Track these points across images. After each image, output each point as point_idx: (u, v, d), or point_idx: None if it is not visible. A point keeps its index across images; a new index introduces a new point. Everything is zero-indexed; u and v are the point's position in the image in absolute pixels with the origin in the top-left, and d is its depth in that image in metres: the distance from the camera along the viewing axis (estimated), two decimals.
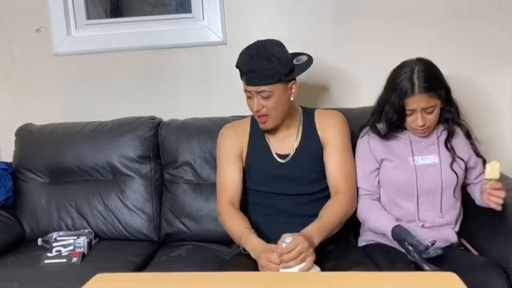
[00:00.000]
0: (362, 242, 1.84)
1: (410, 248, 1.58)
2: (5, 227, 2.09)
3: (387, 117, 1.71)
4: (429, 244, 1.55)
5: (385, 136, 1.75)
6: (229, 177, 1.79)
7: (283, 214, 1.77)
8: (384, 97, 1.73)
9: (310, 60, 1.80)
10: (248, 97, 1.72)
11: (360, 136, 1.82)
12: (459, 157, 1.74)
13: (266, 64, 1.65)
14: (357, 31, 2.22)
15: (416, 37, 2.19)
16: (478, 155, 1.77)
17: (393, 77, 1.71)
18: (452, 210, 1.76)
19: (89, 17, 2.42)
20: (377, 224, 1.71)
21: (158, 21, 2.37)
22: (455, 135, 1.76)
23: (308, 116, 1.82)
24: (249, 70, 1.67)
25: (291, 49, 2.21)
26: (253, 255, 1.60)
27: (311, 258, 1.49)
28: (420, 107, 1.65)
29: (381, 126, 1.78)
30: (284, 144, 1.80)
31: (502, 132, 2.23)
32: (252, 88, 1.67)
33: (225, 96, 2.30)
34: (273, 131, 1.79)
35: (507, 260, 1.58)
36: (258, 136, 1.82)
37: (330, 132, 1.78)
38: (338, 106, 2.15)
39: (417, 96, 1.63)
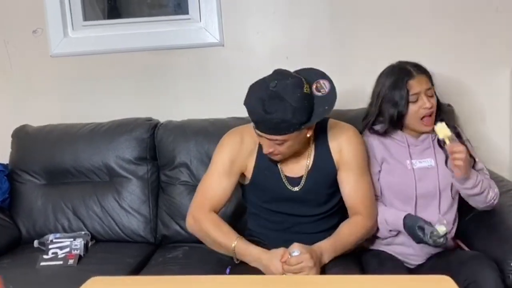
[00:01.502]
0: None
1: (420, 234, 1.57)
2: (1, 229, 2.08)
3: (389, 112, 1.70)
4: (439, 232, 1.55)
5: (384, 133, 1.75)
6: (221, 189, 1.68)
7: (285, 231, 1.71)
8: (380, 95, 1.74)
9: (333, 92, 1.58)
10: (258, 136, 1.58)
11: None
12: None
13: (280, 116, 1.47)
14: (354, 33, 2.22)
15: (413, 39, 2.19)
16: (469, 155, 1.75)
17: (385, 73, 1.75)
18: (450, 211, 1.76)
19: (86, 18, 2.41)
20: (386, 215, 1.69)
21: (156, 22, 2.37)
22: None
23: (321, 130, 1.68)
24: (259, 121, 1.52)
25: (289, 51, 2.23)
26: (254, 264, 1.57)
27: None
28: (423, 88, 1.67)
29: (378, 127, 1.77)
30: (295, 166, 1.68)
31: (499, 132, 2.23)
32: (263, 135, 1.55)
33: (222, 98, 2.30)
34: None
35: (504, 262, 1.57)
36: (266, 156, 1.66)
37: (345, 153, 1.66)
38: (336, 107, 2.15)
39: (417, 77, 1.67)
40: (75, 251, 1.92)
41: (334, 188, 1.70)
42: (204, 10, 2.27)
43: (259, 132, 1.55)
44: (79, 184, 2.15)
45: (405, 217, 1.64)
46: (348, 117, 1.92)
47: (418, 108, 1.68)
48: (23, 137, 2.25)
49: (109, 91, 2.37)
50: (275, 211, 1.71)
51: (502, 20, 2.16)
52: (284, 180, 1.67)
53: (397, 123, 1.72)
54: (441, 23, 2.18)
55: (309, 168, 1.67)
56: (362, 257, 1.74)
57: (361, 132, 1.80)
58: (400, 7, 2.19)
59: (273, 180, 1.67)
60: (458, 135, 1.77)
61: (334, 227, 1.70)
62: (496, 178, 1.87)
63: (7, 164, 2.25)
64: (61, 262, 1.87)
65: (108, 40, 2.35)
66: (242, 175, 1.73)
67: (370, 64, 2.21)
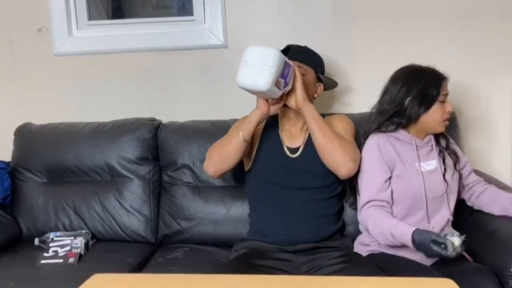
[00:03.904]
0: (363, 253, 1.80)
1: (437, 249, 1.49)
2: (2, 226, 2.08)
3: (413, 110, 1.70)
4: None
5: (393, 131, 1.74)
6: None
7: (288, 212, 1.79)
8: (403, 91, 1.72)
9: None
10: None
11: (366, 140, 1.79)
12: (448, 154, 1.79)
13: (311, 52, 1.90)
14: (359, 36, 2.23)
15: (416, 44, 2.19)
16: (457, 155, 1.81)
17: (410, 72, 1.75)
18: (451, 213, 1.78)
19: (90, 17, 2.42)
20: (392, 229, 1.60)
21: (160, 23, 2.38)
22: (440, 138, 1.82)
23: None
24: (294, 50, 1.85)
25: None
26: (255, 119, 1.75)
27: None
28: (448, 92, 1.73)
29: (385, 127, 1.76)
30: (296, 138, 1.86)
31: (502, 138, 2.23)
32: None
33: (225, 99, 2.30)
34: (287, 127, 1.87)
35: (504, 268, 1.57)
36: (271, 130, 1.88)
37: (335, 123, 1.87)
38: (339, 111, 2.16)
39: (446, 80, 1.73)
40: (76, 250, 1.92)
41: None
42: (209, 12, 2.28)
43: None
44: (81, 183, 2.16)
45: (413, 232, 1.55)
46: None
47: (443, 110, 1.72)
48: (25, 135, 2.25)
49: (112, 90, 2.38)
50: (276, 184, 1.80)
51: (505, 27, 2.17)
52: (285, 149, 1.84)
53: (411, 122, 1.73)
54: (444, 29, 2.19)
55: (306, 139, 1.84)
56: (375, 260, 1.70)
57: (368, 134, 1.79)
58: (404, 12, 2.20)
59: (275, 150, 1.85)
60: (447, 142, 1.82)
61: (336, 214, 1.85)
62: (498, 185, 1.87)
63: (9, 161, 2.25)
64: (61, 261, 1.87)
65: (112, 40, 2.35)
66: (247, 159, 1.88)
67: (375, 67, 2.23)
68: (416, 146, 1.75)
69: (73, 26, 2.38)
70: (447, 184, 1.74)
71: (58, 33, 2.35)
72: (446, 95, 1.72)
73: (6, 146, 2.30)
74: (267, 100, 1.73)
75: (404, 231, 1.57)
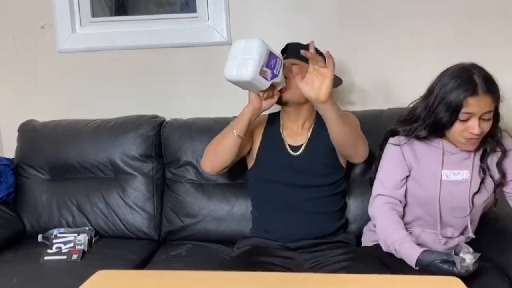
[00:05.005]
0: (367, 242, 1.81)
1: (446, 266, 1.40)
2: (5, 223, 2.09)
3: (437, 117, 1.52)
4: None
5: (425, 138, 1.59)
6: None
7: (291, 209, 1.79)
8: (438, 95, 1.52)
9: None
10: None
11: (390, 142, 1.67)
12: (491, 176, 1.61)
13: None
14: (363, 32, 2.22)
15: (420, 43, 2.19)
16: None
17: (451, 73, 1.53)
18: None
19: (94, 14, 2.42)
20: (397, 246, 1.52)
21: (163, 20, 2.38)
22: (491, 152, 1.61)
23: (322, 117, 1.82)
24: (294, 47, 1.83)
25: None
26: (248, 115, 1.73)
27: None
28: (480, 111, 1.48)
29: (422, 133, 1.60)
30: (298, 136, 1.86)
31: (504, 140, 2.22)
32: (293, 60, 1.80)
33: (228, 97, 2.29)
34: (288, 125, 1.86)
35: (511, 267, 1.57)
36: (273, 129, 1.89)
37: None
38: (342, 109, 2.15)
39: (480, 97, 1.47)
40: (79, 247, 1.92)
41: (332, 160, 1.82)
42: (212, 9, 2.28)
43: (289, 61, 1.79)
44: (84, 180, 2.16)
45: (419, 255, 1.45)
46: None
47: (465, 129, 1.51)
48: (29, 131, 2.26)
49: (115, 88, 2.38)
50: (278, 182, 1.80)
51: (510, 25, 2.16)
52: (287, 147, 1.84)
53: (441, 129, 1.56)
54: (448, 28, 2.18)
55: (308, 137, 1.84)
56: (377, 252, 1.68)
57: (394, 133, 1.67)
58: (409, 11, 2.19)
59: (277, 148, 1.85)
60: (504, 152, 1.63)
61: (338, 211, 1.86)
62: None
63: (12, 158, 2.26)
64: (64, 257, 1.88)
65: (115, 37, 2.35)
66: (249, 158, 1.89)
67: (379, 64, 2.22)
68: (444, 151, 1.60)
69: (77, 23, 2.39)
70: (473, 206, 1.61)
71: (61, 30, 2.35)
72: (471, 114, 1.49)
73: (10, 143, 2.31)
74: (258, 94, 1.72)
75: (410, 253, 1.48)
